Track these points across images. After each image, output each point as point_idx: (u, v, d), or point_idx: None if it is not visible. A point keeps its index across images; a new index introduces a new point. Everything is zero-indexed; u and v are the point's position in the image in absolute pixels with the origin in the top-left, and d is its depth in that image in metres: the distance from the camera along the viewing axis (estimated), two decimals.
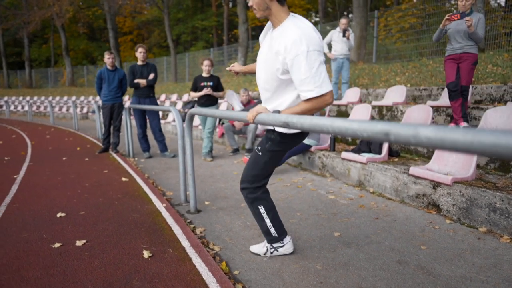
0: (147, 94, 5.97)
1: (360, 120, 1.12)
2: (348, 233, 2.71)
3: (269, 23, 1.97)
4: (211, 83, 5.64)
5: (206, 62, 5.59)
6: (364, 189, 3.90)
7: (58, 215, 3.06)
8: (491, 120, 3.71)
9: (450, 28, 4.17)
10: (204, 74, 5.68)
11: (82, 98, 19.96)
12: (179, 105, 11.90)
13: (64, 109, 18.72)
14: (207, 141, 5.96)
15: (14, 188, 4.01)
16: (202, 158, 5.94)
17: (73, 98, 20.34)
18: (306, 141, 4.76)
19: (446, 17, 4.09)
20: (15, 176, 4.58)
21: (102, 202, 3.43)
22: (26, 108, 20.62)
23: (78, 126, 11.89)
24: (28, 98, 23.26)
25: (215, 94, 5.68)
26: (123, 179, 4.40)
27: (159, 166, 5.39)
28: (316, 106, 1.78)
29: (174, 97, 14.04)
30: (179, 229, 2.72)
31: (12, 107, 20.85)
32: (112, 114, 6.36)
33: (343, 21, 6.81)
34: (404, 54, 10.28)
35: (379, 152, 4.05)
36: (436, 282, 1.98)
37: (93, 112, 16.24)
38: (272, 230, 2.22)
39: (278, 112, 1.86)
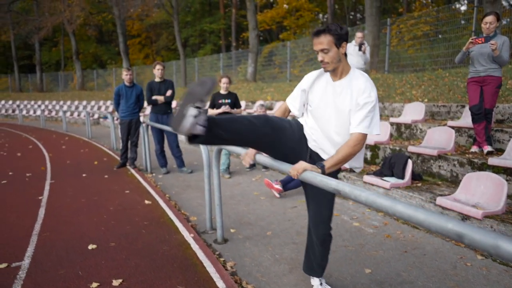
0: (165, 110, 6.03)
1: (427, 211, 1.13)
2: (379, 270, 2.72)
3: (319, 71, 2.09)
4: (229, 100, 5.67)
5: (224, 80, 5.63)
6: (387, 216, 3.90)
7: (90, 247, 3.10)
8: None
9: (473, 50, 4.14)
10: (222, 91, 5.71)
11: (93, 102, 20.15)
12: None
13: (75, 114, 18.92)
14: (225, 157, 6.00)
15: (41, 212, 4.08)
16: (221, 175, 5.97)
17: (84, 102, 20.56)
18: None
19: (470, 40, 4.07)
20: (40, 198, 4.66)
21: (130, 231, 3.48)
22: (38, 113, 20.90)
23: (91, 134, 12.01)
24: (39, 102, 23.59)
25: (234, 111, 5.71)
26: (146, 201, 4.45)
27: (178, 184, 5.43)
28: (356, 149, 1.90)
29: (172, 108, 14.08)
30: (211, 266, 2.75)
31: (24, 112, 21.14)
32: (130, 130, 6.43)
33: (359, 34, 6.79)
34: (417, 62, 10.20)
35: (402, 177, 4.04)
36: None
37: (105, 117, 16.40)
38: (325, 266, 2.39)
39: (323, 166, 1.87)
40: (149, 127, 6.02)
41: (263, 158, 2.24)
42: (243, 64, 18.43)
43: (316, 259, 2.34)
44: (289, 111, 2.29)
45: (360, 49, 6.72)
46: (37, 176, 5.96)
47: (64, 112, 14.50)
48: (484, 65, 4.08)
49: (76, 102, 21.17)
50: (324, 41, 1.86)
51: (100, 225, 3.65)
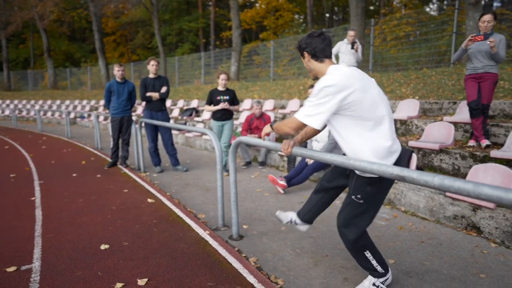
0: (159, 107, 5.86)
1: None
2: (402, 260, 2.75)
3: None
4: (227, 97, 5.59)
5: (222, 76, 5.54)
6: (394, 208, 3.97)
7: (102, 247, 2.96)
8: None
9: (471, 48, 4.29)
10: (220, 88, 5.63)
11: (67, 102, 19.36)
12: (176, 112, 11.74)
13: (49, 114, 18.09)
14: (223, 155, 5.91)
15: (38, 213, 3.85)
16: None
17: (57, 102, 19.70)
18: None
19: (469, 37, 4.22)
20: (32, 199, 4.40)
21: (141, 230, 3.35)
22: (7, 112, 19.82)
23: (70, 134, 11.52)
24: (8, 101, 22.37)
25: (232, 108, 5.64)
26: (149, 200, 4.30)
27: (176, 183, 5.30)
28: (287, 129, 2.08)
29: (167, 103, 13.83)
30: (236, 262, 2.69)
31: None
32: (121, 128, 6.21)
33: (351, 33, 6.89)
34: (400, 62, 10.51)
35: None
36: None
37: (83, 117, 15.79)
38: (379, 268, 2.21)
39: (271, 124, 2.37)
40: (142, 124, 5.83)
41: (300, 150, 2.24)
42: (224, 63, 18.31)
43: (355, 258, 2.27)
44: None
45: (352, 47, 6.83)
46: (22, 176, 5.64)
47: (39, 111, 13.82)
48: (482, 61, 4.24)
49: (49, 102, 20.25)
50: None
51: (107, 225, 3.49)
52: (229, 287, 2.33)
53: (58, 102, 19.70)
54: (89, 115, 15.68)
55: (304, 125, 2.01)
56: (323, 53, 2.07)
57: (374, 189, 2.02)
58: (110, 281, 2.42)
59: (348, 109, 1.91)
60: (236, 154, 3.18)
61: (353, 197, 2.08)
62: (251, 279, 2.43)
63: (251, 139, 2.88)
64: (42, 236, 3.22)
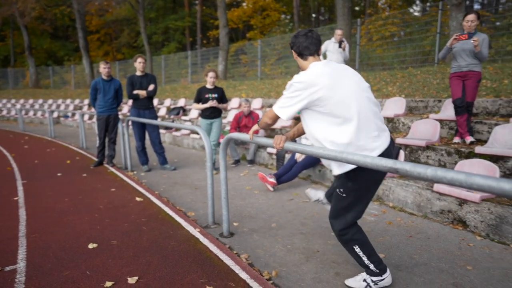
0: (147, 105, 5.78)
1: (508, 180, 1.16)
2: (392, 254, 2.79)
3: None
4: (216, 95, 5.56)
5: (211, 74, 5.51)
6: (383, 204, 4.02)
7: (90, 246, 2.89)
8: (499, 136, 3.95)
9: (456, 47, 4.38)
10: (209, 86, 5.59)
11: (50, 101, 18.91)
12: (163, 111, 11.61)
13: (31, 113, 17.64)
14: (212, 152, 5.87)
15: (22, 213, 3.74)
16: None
17: (40, 101, 19.22)
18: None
19: (454, 36, 4.31)
20: (15, 198, 4.27)
21: (129, 229, 3.29)
22: None
23: (54, 133, 11.26)
24: None
25: (220, 106, 5.61)
26: (137, 199, 4.24)
27: (164, 181, 5.24)
28: (266, 119, 2.26)
29: (154, 102, 13.67)
30: (228, 259, 2.67)
31: None
32: (108, 126, 6.10)
33: (338, 32, 6.96)
34: (386, 62, 10.67)
35: None
36: None
37: (67, 117, 15.46)
38: (371, 266, 2.19)
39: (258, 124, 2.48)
40: (129, 123, 5.74)
41: (291, 145, 2.24)
42: (211, 62, 18.22)
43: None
44: None
45: (340, 46, 6.89)
46: (4, 176, 5.47)
47: (20, 110, 13.45)
48: (466, 60, 4.33)
49: (30, 101, 19.73)
50: None
51: (94, 224, 3.42)
52: (221, 284, 2.32)
53: (40, 101, 19.22)
54: (73, 114, 15.37)
55: (278, 117, 2.17)
56: (307, 51, 2.15)
57: (354, 185, 2.08)
58: (100, 280, 2.37)
59: (317, 105, 1.99)
60: (226, 151, 3.17)
61: (337, 190, 2.17)
62: (243, 275, 2.42)
63: (242, 135, 2.87)
64: (26, 236, 3.13)
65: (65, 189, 4.71)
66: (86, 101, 16.74)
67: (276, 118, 2.22)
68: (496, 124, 4.40)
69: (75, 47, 31.90)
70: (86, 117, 13.75)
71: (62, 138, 10.50)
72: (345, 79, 2.01)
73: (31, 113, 17.69)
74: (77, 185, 4.90)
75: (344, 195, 2.11)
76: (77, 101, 17.51)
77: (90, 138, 10.12)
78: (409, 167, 1.47)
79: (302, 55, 2.18)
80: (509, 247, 2.86)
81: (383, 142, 2.04)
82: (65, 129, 13.69)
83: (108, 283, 2.31)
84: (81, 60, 25.30)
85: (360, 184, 2.07)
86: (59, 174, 5.60)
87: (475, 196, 3.13)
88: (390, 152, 2.08)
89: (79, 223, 3.43)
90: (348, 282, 2.32)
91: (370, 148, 1.99)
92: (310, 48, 2.15)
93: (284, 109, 2.08)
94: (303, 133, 2.41)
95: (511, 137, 3.85)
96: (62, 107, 17.31)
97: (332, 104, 1.95)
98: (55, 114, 16.29)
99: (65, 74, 26.32)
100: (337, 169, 2.09)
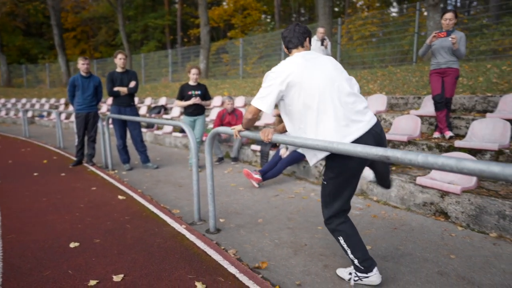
0: (128, 102, 5.65)
1: (497, 163, 1.19)
2: (378, 246, 2.83)
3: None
4: (199, 92, 5.50)
5: (194, 71, 5.44)
6: (367, 198, 4.08)
7: (72, 245, 2.79)
8: (477, 131, 4.09)
9: (435, 44, 4.50)
10: (191, 83, 5.52)
11: (23, 100, 18.19)
12: (143, 110, 11.39)
13: (3, 113, 16.92)
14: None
15: None
16: (189, 169, 5.77)
17: (13, 100, 18.47)
18: (302, 150, 4.84)
19: (434, 34, 4.43)
20: None
21: (113, 227, 3.20)
22: None
23: (29, 133, 10.84)
24: None
25: (203, 103, 5.55)
26: (120, 197, 4.13)
27: (147, 180, 5.13)
28: (247, 115, 2.27)
29: (135, 100, 13.38)
30: (216, 254, 2.63)
31: None
32: (87, 124, 5.92)
33: (320, 30, 7.02)
34: (366, 60, 10.86)
35: None
36: None
37: (41, 116, 14.92)
38: (356, 262, 2.17)
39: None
40: (110, 120, 5.58)
41: (280, 137, 2.23)
42: (193, 60, 18.02)
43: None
44: None
45: (322, 44, 6.96)
46: None
47: None
48: (445, 57, 4.46)
49: (2, 100, 18.93)
50: None
51: (75, 223, 3.30)
52: (210, 279, 2.28)
53: (13, 100, 18.48)
54: (49, 114, 14.86)
55: (259, 110, 2.18)
56: (291, 44, 2.26)
57: (330, 173, 2.13)
58: (83, 278, 2.28)
59: (288, 95, 2.08)
60: (212, 146, 3.12)
61: (322, 178, 2.23)
62: (232, 269, 2.39)
63: (228, 128, 2.82)
64: (2, 237, 2.99)
65: (43, 188, 4.54)
66: (62, 101, 16.22)
67: (255, 111, 2.23)
68: (473, 119, 4.55)
69: (50, 44, 30.85)
70: (63, 116, 13.32)
71: (37, 138, 10.13)
72: (315, 70, 2.06)
73: (3, 112, 16.98)
74: (55, 185, 4.72)
75: (325, 183, 2.17)
76: (52, 100, 16.94)
77: (67, 137, 9.81)
78: (400, 154, 1.48)
79: (288, 49, 2.29)
80: (489, 236, 2.96)
81: (353, 132, 2.00)
82: (40, 129, 13.22)
83: (92, 282, 2.23)
84: (56, 58, 24.50)
85: (335, 172, 2.10)
86: (35, 174, 5.38)
87: (456, 188, 3.22)
88: (366, 143, 2.01)
89: (59, 223, 3.30)
90: (338, 271, 2.37)
91: (338, 137, 1.99)
92: (293, 41, 2.25)
93: (260, 99, 2.12)
94: None
95: (488, 131, 3.99)
96: (37, 107, 16.71)
97: (300, 94, 2.04)
98: (30, 114, 15.71)
99: (40, 73, 25.43)
100: (310, 161, 2.21)
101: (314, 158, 2.17)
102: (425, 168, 1.39)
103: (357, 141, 2.00)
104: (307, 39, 2.24)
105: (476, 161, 1.25)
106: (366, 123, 2.06)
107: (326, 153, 2.07)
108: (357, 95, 2.12)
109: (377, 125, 2.12)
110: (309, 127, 2.07)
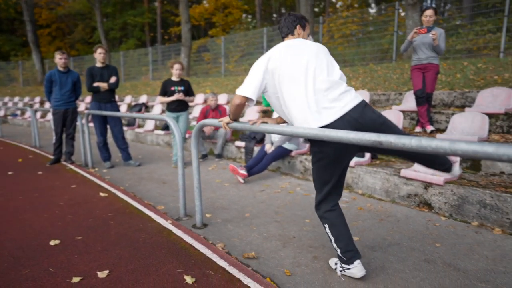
0: (108, 98, 5.49)
1: (490, 144, 1.21)
2: (365, 237, 2.85)
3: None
4: (182, 88, 5.41)
5: (177, 66, 5.35)
6: (353, 191, 4.12)
7: (52, 243, 2.67)
8: (457, 124, 4.20)
9: (416, 40, 4.60)
10: (174, 78, 5.43)
11: None
12: (123, 108, 11.13)
13: None
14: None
15: None
16: (173, 166, 5.67)
17: None
18: (287, 145, 4.84)
19: (415, 30, 4.52)
20: None
21: (95, 224, 3.09)
22: None
23: (1, 132, 10.39)
24: None
25: (186, 99, 5.46)
26: (102, 194, 4.00)
27: (129, 177, 5.00)
28: (233, 102, 2.24)
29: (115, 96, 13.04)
30: (204, 248, 2.58)
31: None
32: (65, 121, 5.72)
33: None
34: (348, 59, 11.01)
35: (363, 155, 4.31)
36: (468, 277, 2.20)
37: (15, 115, 14.35)
38: (338, 251, 2.16)
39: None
40: (89, 117, 5.41)
41: (270, 126, 2.22)
42: (174, 58, 17.76)
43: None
44: None
45: None
46: None
47: None
48: (425, 53, 4.56)
49: None
50: None
51: (55, 220, 3.17)
52: (199, 272, 2.23)
53: None
54: (23, 112, 14.31)
55: (245, 98, 2.15)
56: (282, 33, 2.31)
57: (314, 158, 2.16)
58: (65, 276, 2.18)
59: (269, 81, 2.11)
60: (198, 139, 3.06)
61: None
62: (221, 263, 2.35)
63: (214, 120, 2.76)
64: None
65: (18, 187, 4.34)
66: (37, 99, 15.64)
67: (241, 98, 2.15)
68: (453, 114, 4.67)
69: (23, 41, 29.72)
70: (38, 114, 12.85)
71: (11, 137, 9.72)
72: (294, 56, 2.06)
73: None
74: (32, 183, 4.53)
75: (312, 167, 2.21)
76: (26, 99, 16.32)
77: (43, 136, 9.46)
78: (394, 139, 1.48)
79: (282, 38, 2.34)
80: (471, 225, 3.03)
81: (323, 118, 1.96)
82: (13, 128, 12.70)
83: (76, 279, 2.14)
84: (30, 55, 23.65)
85: (317, 157, 2.13)
86: (10, 173, 5.15)
87: (439, 179, 3.29)
88: (338, 128, 1.96)
89: (37, 221, 3.16)
90: (330, 260, 2.40)
91: (308, 124, 1.99)
92: (283, 30, 2.30)
93: (245, 86, 2.13)
94: (282, 121, 2.43)
95: (467, 125, 4.11)
96: (10, 105, 16.05)
97: (279, 81, 2.06)
98: (2, 113, 15.08)
99: (12, 71, 24.45)
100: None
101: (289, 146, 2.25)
102: (420, 152, 1.40)
103: (326, 127, 1.94)
104: (298, 26, 2.22)
105: (470, 143, 1.27)
106: (339, 109, 1.95)
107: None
108: (335, 81, 2.00)
109: (356, 110, 1.96)
110: (288, 114, 2.12)
